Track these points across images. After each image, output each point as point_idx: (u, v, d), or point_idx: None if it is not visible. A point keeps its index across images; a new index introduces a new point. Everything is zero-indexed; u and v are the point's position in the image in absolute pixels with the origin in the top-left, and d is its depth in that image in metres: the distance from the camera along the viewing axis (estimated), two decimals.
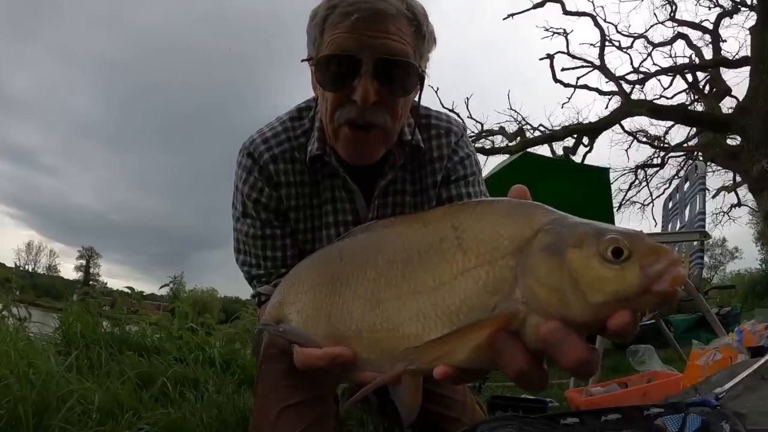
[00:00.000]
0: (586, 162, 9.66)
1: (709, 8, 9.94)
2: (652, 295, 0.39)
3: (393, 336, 0.50)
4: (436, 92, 10.31)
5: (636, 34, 10.71)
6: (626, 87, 10.13)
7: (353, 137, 0.87)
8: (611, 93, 10.50)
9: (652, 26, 10.74)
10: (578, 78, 10.72)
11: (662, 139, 11.16)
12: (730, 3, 9.67)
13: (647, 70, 10.75)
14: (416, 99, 0.93)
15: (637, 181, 11.44)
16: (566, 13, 10.33)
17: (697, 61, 10.07)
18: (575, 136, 10.04)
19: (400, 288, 0.50)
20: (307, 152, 0.98)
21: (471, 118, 10.68)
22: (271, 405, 1.03)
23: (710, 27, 9.91)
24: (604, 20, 10.39)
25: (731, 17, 9.69)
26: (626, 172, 11.31)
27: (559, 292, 0.40)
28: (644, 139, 11.02)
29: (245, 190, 1.00)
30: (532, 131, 10.76)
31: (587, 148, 10.31)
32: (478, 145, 10.67)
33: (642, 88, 10.77)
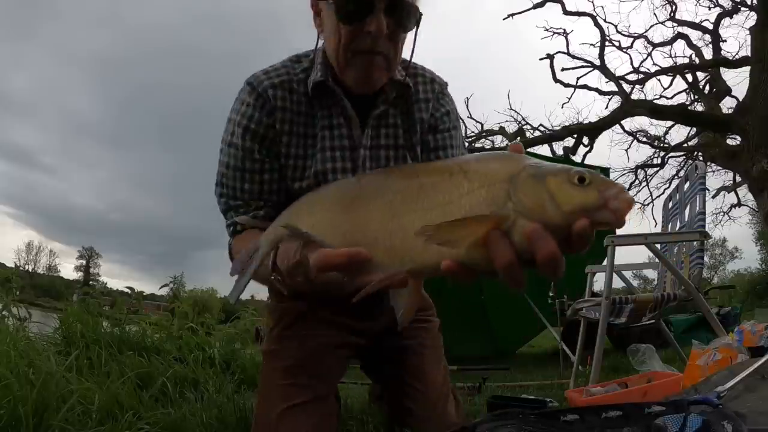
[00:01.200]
0: (586, 162, 9.65)
1: (709, 8, 9.96)
2: (607, 209, 0.54)
3: (407, 241, 0.59)
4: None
5: (636, 34, 10.73)
6: (626, 87, 10.14)
7: (365, 63, 1.00)
8: (611, 93, 10.51)
9: (652, 26, 10.77)
10: (578, 78, 10.74)
11: (662, 139, 11.17)
12: (730, 3, 9.68)
13: (647, 70, 10.77)
14: (411, 44, 1.06)
15: (637, 181, 11.43)
16: (566, 13, 10.34)
17: (697, 61, 10.08)
18: (575, 136, 10.04)
19: (414, 204, 0.60)
20: (308, 85, 1.07)
21: (471, 118, 10.69)
22: (272, 405, 1.06)
23: (710, 27, 9.93)
24: (604, 20, 10.40)
25: (731, 17, 9.71)
26: (626, 172, 11.31)
27: (541, 203, 0.54)
28: (644, 139, 11.02)
29: (236, 118, 1.07)
30: (532, 131, 10.77)
31: (587, 148, 10.32)
32: (478, 145, 10.67)
33: (642, 88, 10.79)
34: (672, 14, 10.41)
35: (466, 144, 10.52)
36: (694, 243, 2.24)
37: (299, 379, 1.09)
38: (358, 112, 1.09)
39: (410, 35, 1.04)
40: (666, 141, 11.12)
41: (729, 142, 9.03)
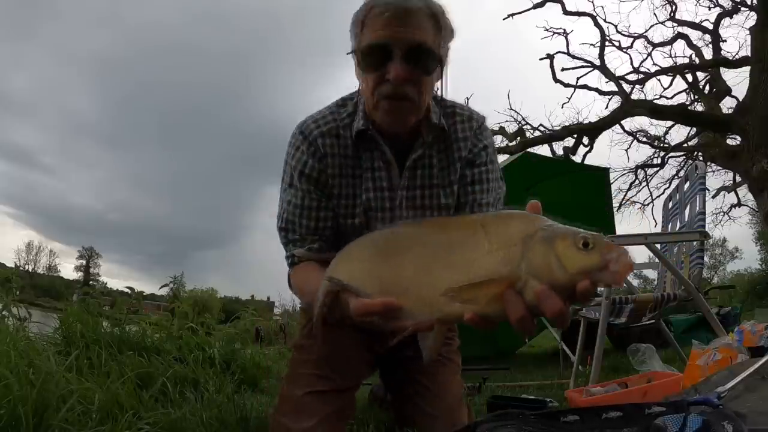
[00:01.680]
0: (586, 162, 9.65)
1: (709, 8, 9.96)
2: (607, 271, 0.61)
3: (435, 293, 0.67)
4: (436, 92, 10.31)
5: (636, 34, 10.72)
6: (626, 87, 10.13)
7: (390, 107, 1.09)
8: (611, 93, 10.50)
9: (652, 26, 10.75)
10: (578, 78, 10.72)
11: (662, 139, 11.16)
12: (730, 3, 9.68)
13: (647, 70, 10.77)
14: (439, 82, 1.17)
15: (637, 181, 11.43)
16: (566, 13, 10.33)
17: (697, 61, 10.08)
18: (575, 136, 10.03)
19: (441, 261, 0.68)
20: (352, 130, 1.18)
21: None
22: (298, 387, 1.20)
23: (710, 27, 9.93)
24: (604, 20, 10.39)
25: (731, 17, 9.70)
26: (626, 172, 11.31)
27: (549, 265, 0.62)
28: (644, 139, 11.02)
29: (293, 163, 1.20)
30: (532, 131, 10.76)
31: (587, 148, 10.31)
32: None
33: (642, 88, 10.78)
34: (672, 14, 10.42)
35: None
36: (694, 243, 2.24)
37: (323, 371, 1.21)
38: (398, 154, 1.18)
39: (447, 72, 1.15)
40: (666, 141, 11.13)
41: (729, 142, 9.03)
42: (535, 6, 10.19)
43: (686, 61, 10.41)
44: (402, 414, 1.32)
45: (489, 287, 0.64)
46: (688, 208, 2.44)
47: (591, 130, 9.95)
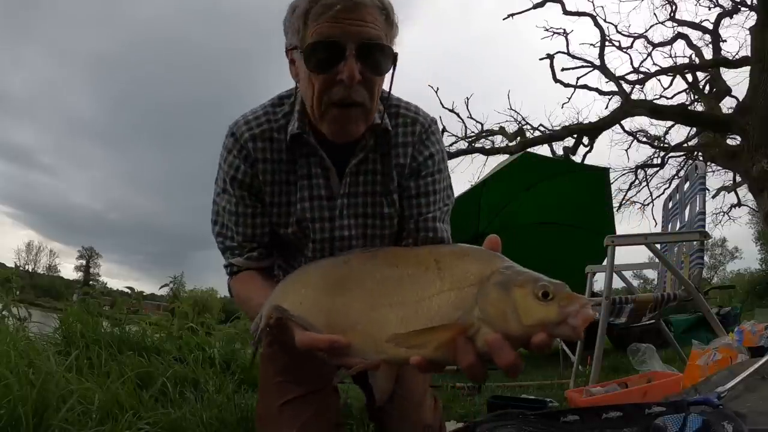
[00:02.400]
0: (586, 162, 9.65)
1: (709, 8, 9.95)
2: (565, 325, 0.57)
3: (382, 331, 0.64)
4: (436, 92, 10.33)
5: (636, 34, 10.72)
6: (626, 87, 10.12)
7: (339, 115, 0.96)
8: (611, 93, 10.49)
9: (652, 26, 10.74)
10: (578, 78, 10.71)
11: (662, 139, 11.16)
12: (730, 3, 9.67)
13: (647, 70, 10.76)
14: (388, 83, 1.04)
15: (637, 181, 11.44)
16: (566, 13, 10.32)
17: (697, 61, 10.07)
18: (575, 136, 10.03)
19: (391, 298, 0.66)
20: (287, 132, 1.07)
21: (471, 118, 10.68)
22: (272, 401, 1.13)
23: (710, 27, 9.92)
24: (604, 20, 10.38)
25: (731, 17, 9.69)
26: (626, 172, 11.31)
27: (503, 314, 0.59)
28: (644, 139, 11.01)
29: (225, 167, 1.10)
30: (532, 131, 10.75)
31: (587, 148, 10.31)
32: (478, 144, 10.66)
33: (642, 88, 10.77)
34: (672, 14, 10.42)
35: (466, 144, 10.56)
36: (694, 243, 2.24)
37: (292, 377, 1.14)
38: (337, 160, 1.08)
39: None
40: (666, 141, 11.13)
41: (729, 142, 9.02)
42: (535, 6, 10.19)
43: (686, 61, 10.41)
44: (374, 416, 1.29)
45: (438, 333, 0.60)
46: (688, 208, 2.44)
47: (591, 130, 9.95)
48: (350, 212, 1.10)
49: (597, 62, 10.19)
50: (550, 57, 10.58)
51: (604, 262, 2.40)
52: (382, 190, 1.11)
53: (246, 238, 1.12)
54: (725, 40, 9.88)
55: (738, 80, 9.01)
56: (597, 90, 10.64)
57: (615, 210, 8.11)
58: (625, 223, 12.02)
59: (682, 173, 9.06)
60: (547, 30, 10.64)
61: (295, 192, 1.09)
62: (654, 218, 10.93)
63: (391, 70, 1.00)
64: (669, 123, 10.22)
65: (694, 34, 10.27)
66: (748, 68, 7.84)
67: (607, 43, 10.23)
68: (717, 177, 10.88)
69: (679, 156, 11.11)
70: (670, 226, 2.71)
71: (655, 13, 11.00)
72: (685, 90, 10.79)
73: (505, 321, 0.58)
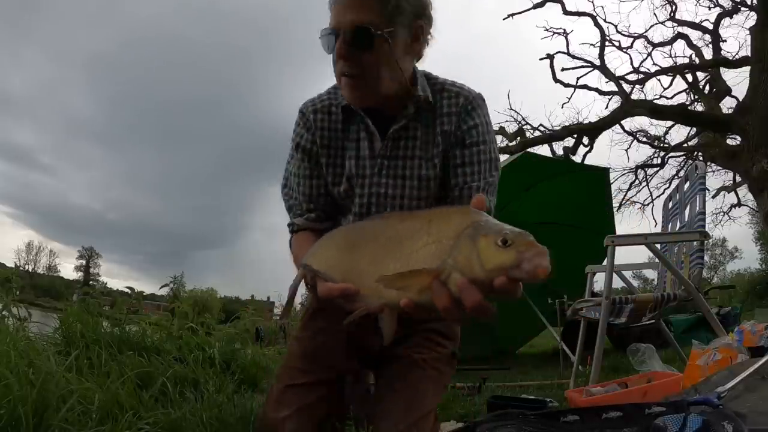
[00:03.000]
0: (586, 162, 9.65)
1: (709, 8, 9.95)
2: (521, 269, 0.64)
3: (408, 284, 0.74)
4: None
5: (636, 34, 10.72)
6: (626, 87, 10.12)
7: (345, 83, 1.18)
8: (611, 93, 10.49)
9: (652, 26, 10.74)
10: (578, 78, 10.71)
11: (662, 139, 11.15)
12: (730, 3, 9.67)
13: (647, 70, 10.76)
14: (416, 59, 1.24)
15: (637, 181, 11.43)
16: (566, 13, 10.32)
17: (697, 61, 10.07)
18: (575, 136, 10.03)
19: (392, 253, 0.77)
20: (338, 112, 1.28)
21: None
22: (281, 380, 1.31)
23: (710, 27, 9.92)
24: (604, 20, 10.38)
25: (731, 17, 9.70)
26: (626, 172, 11.30)
27: (470, 260, 0.67)
28: (644, 139, 11.01)
29: (293, 136, 1.32)
30: (532, 131, 10.74)
31: (587, 148, 10.30)
32: None
33: (642, 88, 10.77)
34: (672, 14, 10.41)
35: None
36: (694, 243, 2.24)
37: (305, 365, 1.29)
38: (382, 126, 1.24)
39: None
40: (666, 141, 11.12)
41: (729, 142, 9.02)
42: (535, 6, 10.19)
43: (686, 61, 10.41)
44: (370, 411, 1.29)
45: (417, 277, 0.71)
46: (688, 208, 2.44)
47: (591, 130, 9.95)
48: (389, 172, 1.24)
49: (597, 62, 10.20)
50: (550, 57, 10.59)
51: (604, 262, 2.39)
52: (421, 154, 1.23)
53: (306, 199, 1.30)
54: (725, 40, 9.90)
55: (738, 80, 9.03)
56: (597, 90, 10.66)
57: (615, 210, 8.12)
58: (625, 223, 12.03)
59: (682, 173, 9.06)
60: (547, 30, 10.65)
61: (345, 154, 1.27)
62: (654, 218, 10.94)
63: (389, 47, 1.15)
64: (669, 123, 10.23)
65: (694, 34, 10.29)
66: (748, 68, 7.84)
67: (607, 43, 10.24)
68: (717, 177, 10.89)
69: (679, 156, 11.11)
70: (670, 226, 2.71)
71: (655, 13, 11.01)
72: (685, 90, 10.80)
73: (471, 266, 0.67)
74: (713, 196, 11.29)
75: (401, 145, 1.24)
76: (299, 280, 0.99)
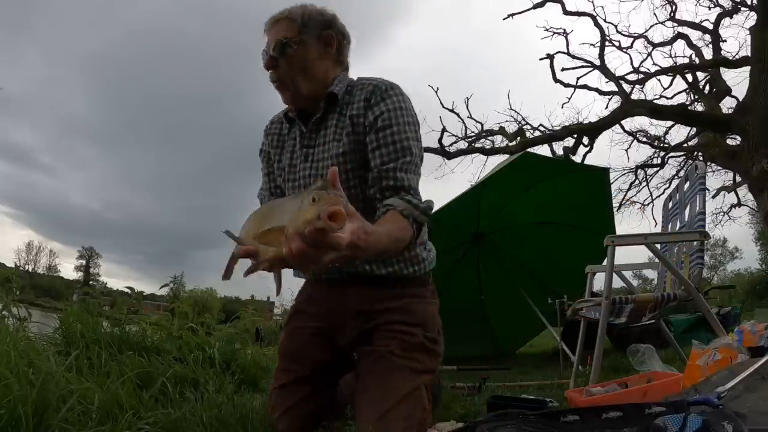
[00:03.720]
0: (586, 162, 9.65)
1: (709, 8, 9.92)
2: (321, 220, 0.79)
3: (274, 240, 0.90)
4: (436, 92, 10.32)
5: (636, 34, 10.69)
6: (626, 87, 10.10)
7: (276, 89, 1.45)
8: (611, 93, 10.47)
9: (652, 26, 10.70)
10: (578, 78, 10.69)
11: (662, 139, 11.14)
12: (730, 3, 9.66)
13: (647, 70, 10.74)
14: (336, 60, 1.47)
15: (637, 181, 11.41)
16: (566, 13, 10.31)
17: (697, 61, 10.06)
18: (575, 136, 10.01)
19: (275, 220, 0.90)
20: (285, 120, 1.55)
21: (471, 118, 10.65)
22: (273, 383, 1.46)
23: (710, 27, 9.90)
24: (604, 20, 10.34)
25: (731, 17, 9.68)
26: (626, 172, 11.29)
27: (296, 217, 0.82)
28: (644, 139, 10.99)
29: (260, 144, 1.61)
30: (532, 131, 10.72)
31: (587, 148, 10.28)
32: (478, 144, 10.65)
33: (642, 88, 10.74)
34: (672, 14, 10.40)
35: (466, 144, 10.54)
36: (694, 243, 2.24)
37: (285, 364, 1.46)
38: (308, 123, 1.46)
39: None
40: (666, 141, 11.11)
41: (729, 142, 9.01)
42: (535, 6, 10.18)
43: (686, 61, 10.39)
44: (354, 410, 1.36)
45: (273, 234, 0.87)
46: (688, 208, 2.44)
47: (591, 130, 9.94)
48: (310, 158, 1.44)
49: (597, 62, 10.17)
50: (550, 57, 10.57)
51: (604, 262, 2.39)
52: (334, 137, 1.41)
53: (267, 194, 1.56)
54: (725, 40, 9.87)
55: (738, 80, 9.00)
56: (597, 90, 10.63)
57: (615, 210, 8.11)
58: (625, 223, 12.02)
59: (682, 173, 9.06)
60: (547, 30, 10.63)
61: (285, 149, 1.52)
62: (654, 218, 10.93)
63: (302, 52, 1.39)
64: (669, 123, 10.21)
65: (694, 34, 10.26)
66: (748, 68, 7.82)
67: (607, 43, 10.21)
68: (717, 177, 10.87)
69: (679, 156, 11.10)
70: (670, 226, 2.71)
71: (655, 13, 11.00)
72: (685, 90, 10.77)
73: (296, 222, 0.82)
74: (713, 196, 11.29)
75: (319, 134, 1.44)
76: (234, 252, 1.13)
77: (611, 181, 6.21)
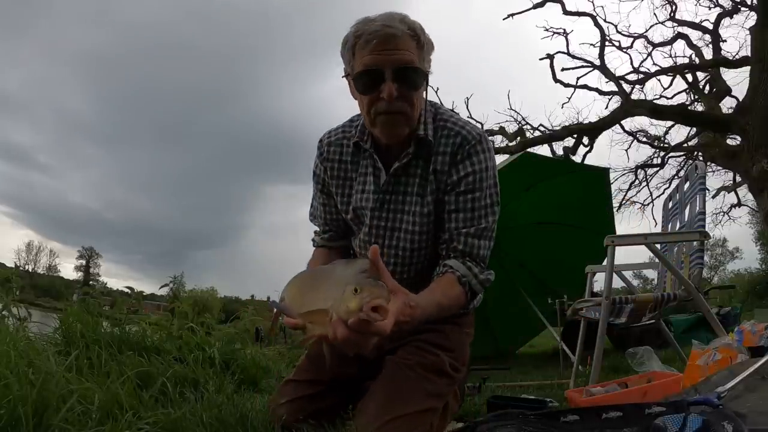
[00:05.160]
0: (586, 162, 9.64)
1: (709, 8, 9.93)
2: (363, 312, 0.84)
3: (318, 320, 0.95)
4: (436, 92, 10.31)
5: (636, 34, 10.70)
6: (626, 87, 10.09)
7: (386, 121, 1.23)
8: (611, 93, 10.47)
9: (652, 26, 10.72)
10: (578, 78, 10.69)
11: (662, 139, 11.14)
12: (730, 3, 9.66)
13: (647, 70, 10.74)
14: (425, 94, 1.28)
15: (637, 181, 11.42)
16: (566, 13, 10.31)
17: (697, 61, 10.06)
18: (575, 136, 10.01)
19: (316, 296, 0.95)
20: (349, 144, 1.38)
21: (471, 118, 10.62)
22: (286, 378, 1.51)
23: (710, 27, 9.90)
24: (604, 20, 10.35)
25: (731, 17, 9.68)
26: (626, 172, 11.30)
27: (339, 304, 0.88)
28: (644, 139, 11.00)
29: (312, 166, 1.47)
30: (532, 131, 10.72)
31: (587, 148, 10.28)
32: None
33: (642, 88, 10.75)
34: (672, 14, 10.40)
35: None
36: (694, 243, 2.24)
37: (307, 366, 1.45)
38: (387, 162, 1.32)
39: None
40: (666, 141, 11.11)
41: (729, 142, 9.01)
42: (535, 6, 10.18)
43: (686, 61, 10.39)
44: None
45: (318, 315, 0.91)
46: (688, 208, 2.44)
47: (591, 130, 9.93)
48: (389, 207, 1.33)
49: (597, 62, 10.17)
50: (550, 57, 10.57)
51: (604, 262, 2.39)
52: (418, 191, 1.31)
53: (322, 221, 1.48)
54: (725, 40, 9.88)
55: (738, 80, 9.01)
56: (597, 90, 10.63)
57: (615, 210, 8.12)
58: (625, 223, 12.01)
59: (682, 173, 9.06)
60: (547, 30, 10.63)
61: (353, 186, 1.39)
62: (654, 218, 10.93)
63: (425, 84, 1.24)
64: (669, 123, 10.22)
65: (694, 34, 10.27)
66: (748, 68, 7.83)
67: (607, 43, 10.22)
68: (717, 177, 10.88)
69: (679, 156, 11.10)
70: (670, 226, 2.71)
71: (655, 13, 10.99)
72: (685, 90, 10.78)
73: (338, 308, 0.87)
74: (713, 196, 11.29)
75: (401, 181, 1.32)
76: (274, 315, 1.22)
77: (611, 181, 6.22)
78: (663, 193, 10.72)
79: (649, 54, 10.77)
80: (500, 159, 9.09)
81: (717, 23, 9.73)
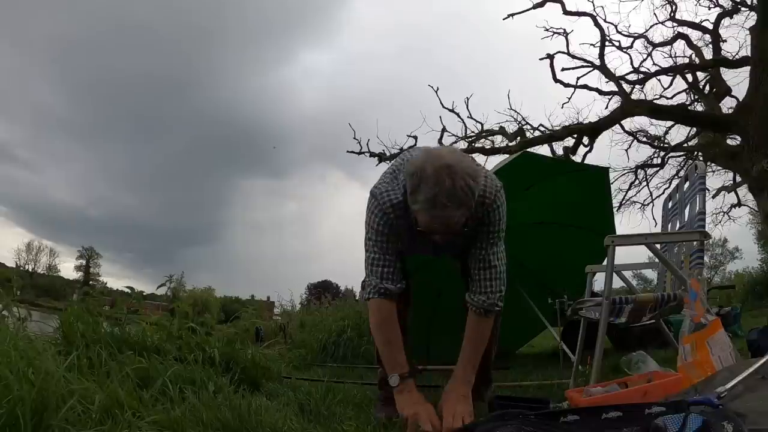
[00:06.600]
0: (586, 162, 9.64)
1: (709, 8, 9.91)
2: None
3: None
4: (436, 92, 10.33)
5: (636, 34, 10.67)
6: (626, 87, 10.09)
7: (440, 239, 1.71)
8: (611, 93, 10.45)
9: (652, 26, 10.67)
10: (578, 78, 10.67)
11: (662, 139, 11.14)
12: (730, 3, 9.65)
13: (647, 70, 10.72)
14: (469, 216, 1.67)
15: (637, 181, 11.41)
16: (566, 13, 10.30)
17: (697, 61, 10.05)
18: (575, 136, 10.01)
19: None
20: (407, 209, 1.71)
21: (471, 118, 10.64)
22: None
23: (710, 27, 9.89)
24: (604, 20, 10.32)
25: (731, 17, 9.66)
26: (626, 172, 11.29)
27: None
28: (644, 139, 10.99)
29: (371, 220, 1.81)
30: (532, 131, 10.71)
31: (587, 148, 10.27)
32: (478, 144, 10.65)
33: (642, 88, 10.72)
34: (672, 14, 10.39)
35: (466, 144, 10.54)
36: (694, 243, 2.24)
37: None
38: None
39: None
40: (666, 141, 11.10)
41: (729, 142, 9.01)
42: (535, 6, 10.17)
43: (686, 61, 10.37)
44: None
45: None
46: (688, 208, 2.44)
47: (591, 130, 9.93)
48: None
49: (597, 62, 10.16)
50: (550, 57, 10.55)
51: (604, 262, 2.39)
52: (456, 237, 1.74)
53: (382, 275, 1.80)
54: (725, 40, 9.85)
55: (738, 80, 9.00)
56: (597, 90, 10.60)
57: (615, 210, 8.11)
58: (625, 223, 12.02)
59: (682, 173, 9.05)
60: (547, 30, 10.62)
61: (416, 241, 1.80)
62: (654, 218, 10.93)
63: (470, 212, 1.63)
64: (669, 123, 10.21)
65: (694, 34, 10.25)
66: (748, 68, 7.83)
67: (607, 43, 10.20)
68: (717, 177, 10.87)
69: (679, 156, 11.10)
70: (669, 226, 2.70)
71: (655, 13, 10.93)
72: (685, 90, 10.76)
73: None
74: (713, 196, 11.28)
75: (452, 240, 1.73)
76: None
77: (611, 181, 6.21)
78: (663, 193, 10.72)
79: (649, 54, 10.76)
80: (500, 159, 9.10)
81: (717, 23, 9.72)
